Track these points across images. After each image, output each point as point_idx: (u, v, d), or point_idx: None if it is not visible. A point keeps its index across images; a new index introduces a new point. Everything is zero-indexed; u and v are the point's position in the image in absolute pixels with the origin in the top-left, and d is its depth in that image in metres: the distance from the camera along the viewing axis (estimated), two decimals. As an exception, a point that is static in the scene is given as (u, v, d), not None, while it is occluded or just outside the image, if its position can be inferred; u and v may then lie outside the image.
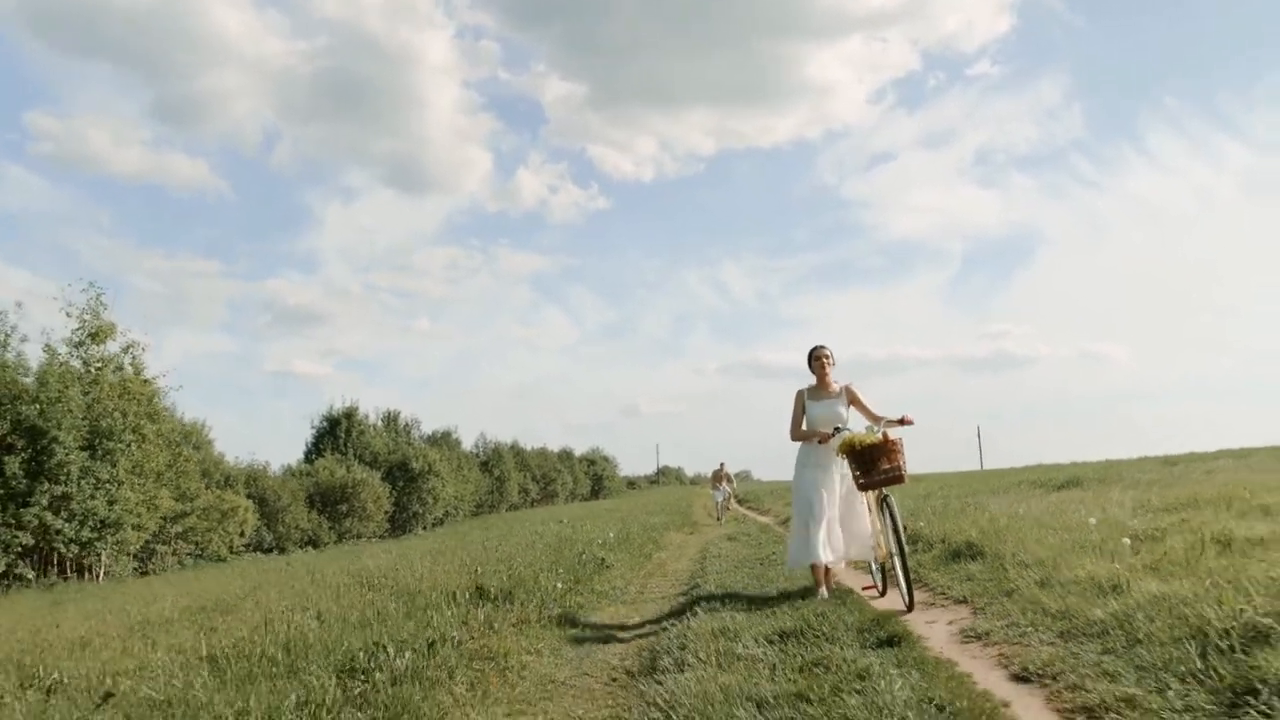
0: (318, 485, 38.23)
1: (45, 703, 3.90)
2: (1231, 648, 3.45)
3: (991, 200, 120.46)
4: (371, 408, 52.19)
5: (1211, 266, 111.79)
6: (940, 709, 3.29)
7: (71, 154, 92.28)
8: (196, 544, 23.40)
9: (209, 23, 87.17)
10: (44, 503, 15.77)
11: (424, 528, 45.00)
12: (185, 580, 15.59)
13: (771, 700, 3.52)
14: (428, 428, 57.15)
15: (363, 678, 3.99)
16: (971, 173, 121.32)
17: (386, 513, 42.34)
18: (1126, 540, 6.14)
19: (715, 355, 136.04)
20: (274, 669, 4.17)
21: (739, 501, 29.14)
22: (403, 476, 46.16)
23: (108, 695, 3.66)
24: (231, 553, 24.72)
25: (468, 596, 6.29)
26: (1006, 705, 3.52)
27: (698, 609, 6.15)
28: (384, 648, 4.32)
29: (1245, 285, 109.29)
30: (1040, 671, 3.97)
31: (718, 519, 21.65)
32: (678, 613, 6.45)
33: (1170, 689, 3.30)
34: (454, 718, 3.79)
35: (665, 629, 5.80)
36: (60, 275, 79.45)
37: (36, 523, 15.68)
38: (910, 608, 5.89)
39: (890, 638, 4.61)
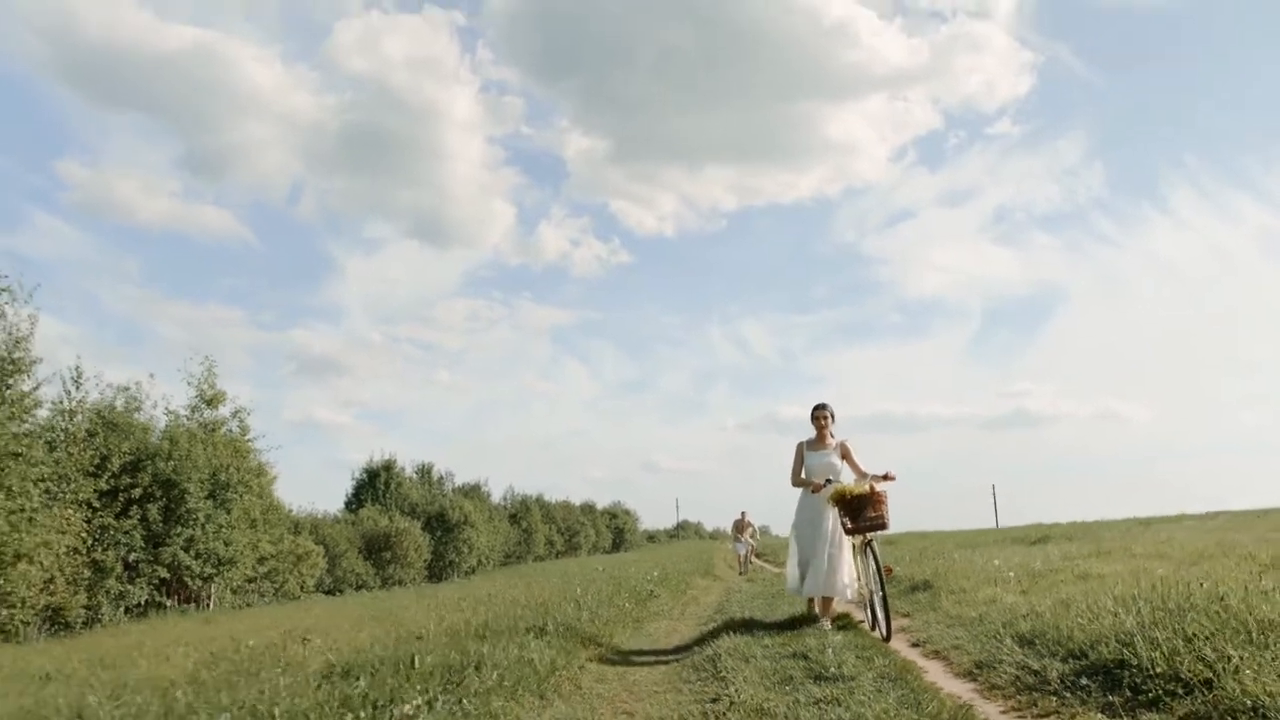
0: (363, 533, 41.27)
1: (372, 644, 6.97)
2: (1016, 623, 6.44)
3: (1011, 259, 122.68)
4: (408, 460, 54.96)
5: (1233, 325, 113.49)
6: (858, 646, 6.33)
7: (100, 203, 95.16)
8: (273, 584, 26.37)
9: (240, 77, 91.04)
10: (179, 543, 18.96)
11: (459, 575, 47.77)
12: (293, 609, 18.65)
13: (769, 645, 6.57)
14: (457, 480, 59.89)
15: (538, 635, 7.04)
16: (992, 231, 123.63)
17: (425, 560, 45.25)
18: (1011, 574, 9.15)
19: (736, 411, 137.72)
20: (486, 633, 7.22)
21: (757, 555, 30.60)
22: (440, 526, 49.12)
23: (419, 636, 6.69)
24: (303, 591, 27.69)
25: (569, 607, 9.31)
26: (897, 650, 6.52)
27: (726, 617, 9.19)
28: (546, 623, 7.39)
29: (1268, 344, 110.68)
30: (924, 641, 6.96)
31: (740, 573, 21.29)
32: (713, 620, 9.48)
33: (979, 641, 6.29)
34: (599, 648, 6.85)
35: (706, 626, 8.85)
36: (88, 323, 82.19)
37: (171, 559, 18.86)
38: (887, 638, 6.91)
39: (845, 625, 7.64)
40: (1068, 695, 4.49)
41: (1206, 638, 4.38)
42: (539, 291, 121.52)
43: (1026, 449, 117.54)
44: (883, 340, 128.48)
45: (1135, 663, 4.43)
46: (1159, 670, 4.23)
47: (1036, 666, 5.01)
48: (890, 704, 4.45)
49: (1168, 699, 4.00)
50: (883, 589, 7.13)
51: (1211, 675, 3.94)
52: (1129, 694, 4.22)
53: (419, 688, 4.69)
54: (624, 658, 7.16)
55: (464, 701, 4.55)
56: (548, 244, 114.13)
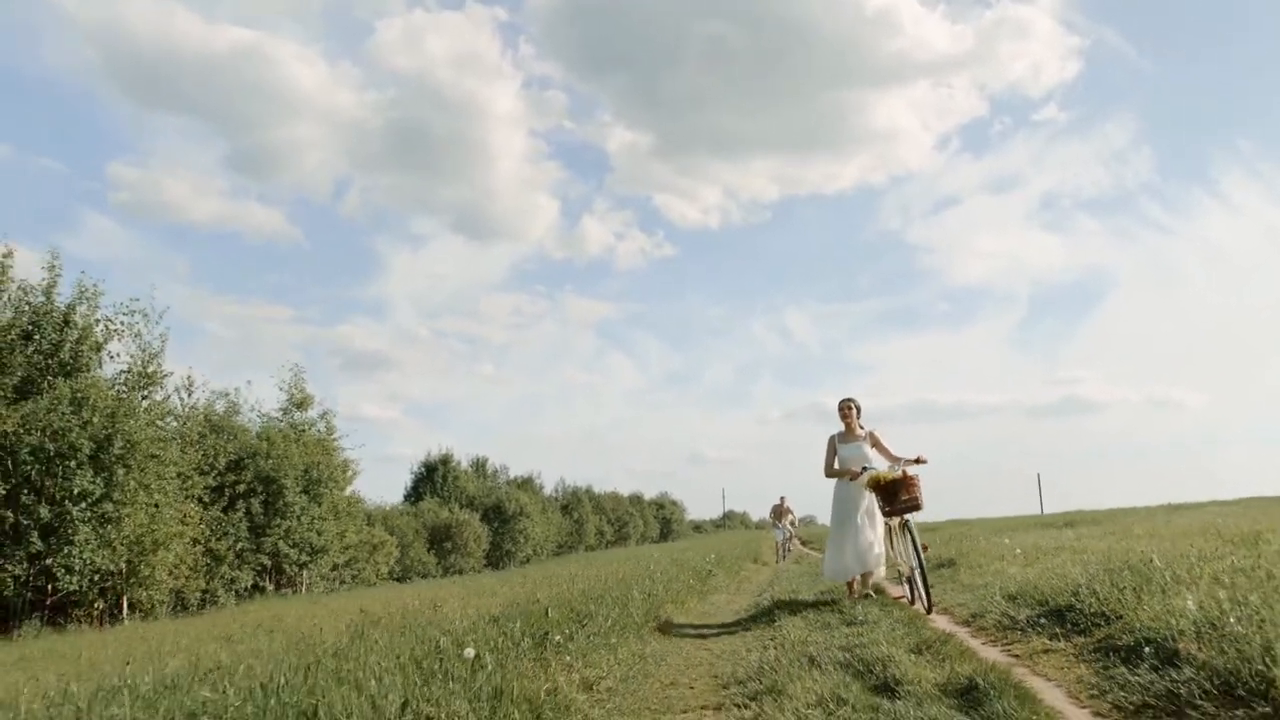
0: (425, 524, 43.57)
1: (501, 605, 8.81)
2: (1008, 586, 8.10)
3: (1058, 245, 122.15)
4: (463, 454, 57.07)
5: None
6: (882, 604, 8.04)
7: (150, 203, 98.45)
8: (352, 572, 28.56)
9: (285, 77, 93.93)
10: (279, 533, 21.15)
11: (515, 564, 49.96)
12: (384, 592, 20.69)
13: (810, 607, 8.32)
14: (511, 473, 61.96)
15: (624, 603, 8.83)
16: (1038, 217, 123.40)
17: (484, 550, 47.47)
18: (1019, 551, 10.79)
19: (780, 401, 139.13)
20: (587, 599, 9.01)
21: (802, 543, 30.48)
22: (497, 518, 51.35)
23: (537, 600, 8.52)
24: (378, 579, 29.86)
25: (646, 581, 11.07)
26: (914, 606, 8.21)
27: (777, 590, 10.94)
28: (631, 596, 9.18)
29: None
30: (938, 602, 8.65)
31: (779, 559, 21.78)
32: (765, 592, 11.23)
33: (978, 600, 7.96)
34: (673, 612, 8.64)
35: (760, 597, 10.61)
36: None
37: (272, 548, 21.06)
38: (929, 610, 7.53)
39: (877, 591, 9.34)
40: (1029, 630, 6.19)
41: (1133, 588, 6.04)
42: (583, 284, 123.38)
43: (1076, 436, 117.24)
44: (928, 328, 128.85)
45: (1078, 606, 6.10)
46: (1092, 610, 5.91)
47: (1013, 614, 6.71)
48: (898, 636, 6.18)
49: (1092, 628, 5.68)
50: (921, 565, 7.83)
51: (1123, 611, 5.61)
52: (1069, 627, 5.91)
53: (557, 627, 6.49)
54: (696, 616, 8.96)
55: (590, 637, 6.36)
56: (591, 237, 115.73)
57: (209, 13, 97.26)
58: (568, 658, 5.55)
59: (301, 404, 24.10)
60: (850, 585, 8.75)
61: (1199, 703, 3.87)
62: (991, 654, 5.70)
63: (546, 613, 7.02)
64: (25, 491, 14.31)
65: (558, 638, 5.97)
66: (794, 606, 8.49)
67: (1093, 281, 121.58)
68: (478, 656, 4.91)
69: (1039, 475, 65.19)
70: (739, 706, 4.70)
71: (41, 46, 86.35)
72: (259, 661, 6.08)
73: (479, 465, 60.10)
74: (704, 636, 7.57)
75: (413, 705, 3.71)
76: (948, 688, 4.56)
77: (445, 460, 54.54)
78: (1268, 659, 3.83)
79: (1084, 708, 4.33)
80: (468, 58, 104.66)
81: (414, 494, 52.00)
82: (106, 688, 4.42)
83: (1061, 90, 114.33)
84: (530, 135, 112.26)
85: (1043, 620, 6.27)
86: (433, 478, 53.24)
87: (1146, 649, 4.77)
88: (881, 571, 8.75)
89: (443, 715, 3.67)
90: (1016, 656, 5.64)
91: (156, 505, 16.09)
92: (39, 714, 3.96)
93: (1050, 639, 5.82)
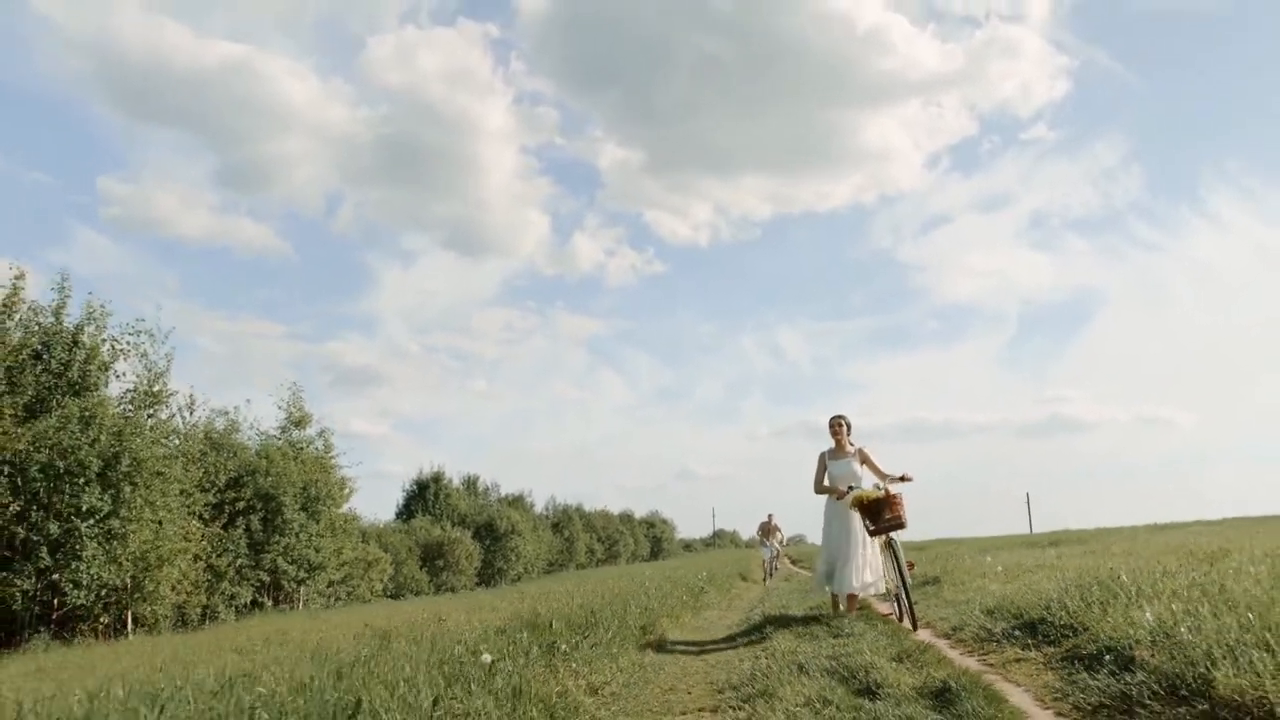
0: (417, 542, 43.81)
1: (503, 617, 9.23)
2: (986, 601, 8.54)
3: (1047, 264, 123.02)
4: (455, 472, 57.30)
5: (1277, 329, 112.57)
6: (867, 618, 8.47)
7: (141, 217, 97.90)
8: (348, 588, 28.83)
9: (275, 91, 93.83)
10: (278, 550, 21.48)
11: (507, 582, 50.16)
12: (380, 608, 21.01)
13: (799, 621, 8.75)
14: (502, 490, 62.23)
15: (622, 617, 9.24)
16: (1027, 236, 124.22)
17: (476, 568, 47.71)
18: (999, 569, 11.25)
19: (770, 418, 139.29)
20: (582, 614, 9.42)
21: (792, 561, 31.43)
22: (489, 535, 51.61)
23: (538, 614, 8.93)
24: (373, 595, 30.12)
25: (642, 596, 11.47)
26: (898, 621, 8.64)
27: (767, 606, 11.36)
28: (628, 609, 9.59)
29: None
30: (921, 616, 9.09)
31: (767, 577, 21.55)
32: (755, 609, 11.65)
33: (959, 614, 8.40)
34: (668, 626, 9.05)
35: (750, 613, 11.03)
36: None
37: (271, 564, 21.38)
38: (915, 627, 7.75)
39: (862, 607, 9.78)
40: (1004, 642, 6.64)
41: (1100, 603, 6.49)
42: (573, 301, 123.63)
43: (1065, 455, 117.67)
44: (918, 346, 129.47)
45: (1050, 619, 6.56)
46: (1061, 623, 6.36)
47: (990, 626, 7.16)
48: (881, 646, 6.61)
49: (1061, 639, 6.13)
50: (905, 583, 8.06)
51: (1089, 623, 6.06)
52: (1040, 638, 6.36)
53: (562, 637, 6.91)
54: (690, 631, 9.38)
55: (593, 646, 6.78)
56: (582, 254, 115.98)
57: (200, 26, 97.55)
58: (574, 665, 5.98)
59: (300, 422, 24.48)
60: (835, 599, 9.03)
61: (1148, 702, 4.32)
62: (967, 662, 6.15)
63: (550, 625, 7.44)
64: (35, 508, 14.65)
65: (564, 647, 6.39)
66: (784, 621, 8.91)
67: (1081, 300, 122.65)
68: (495, 661, 5.33)
69: (1028, 494, 65.90)
70: (734, 708, 5.13)
71: (32, 59, 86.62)
72: (281, 669, 6.47)
73: (470, 483, 60.42)
74: (699, 648, 7.99)
75: (443, 702, 4.13)
76: (924, 690, 5.00)
77: (437, 478, 54.70)
78: (1208, 663, 4.28)
79: (1047, 708, 4.78)
80: (459, 74, 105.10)
81: (406, 511, 52.15)
82: (163, 687, 4.81)
83: (1051, 109, 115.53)
84: (522, 151, 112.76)
85: (1017, 632, 6.72)
86: (424, 495, 53.37)
87: (1107, 657, 5.22)
88: (872, 591, 9.02)
89: (470, 711, 4.10)
90: (990, 665, 6.08)
91: (160, 522, 16.42)
92: (112, 710, 4.35)
93: (1023, 649, 6.27)
